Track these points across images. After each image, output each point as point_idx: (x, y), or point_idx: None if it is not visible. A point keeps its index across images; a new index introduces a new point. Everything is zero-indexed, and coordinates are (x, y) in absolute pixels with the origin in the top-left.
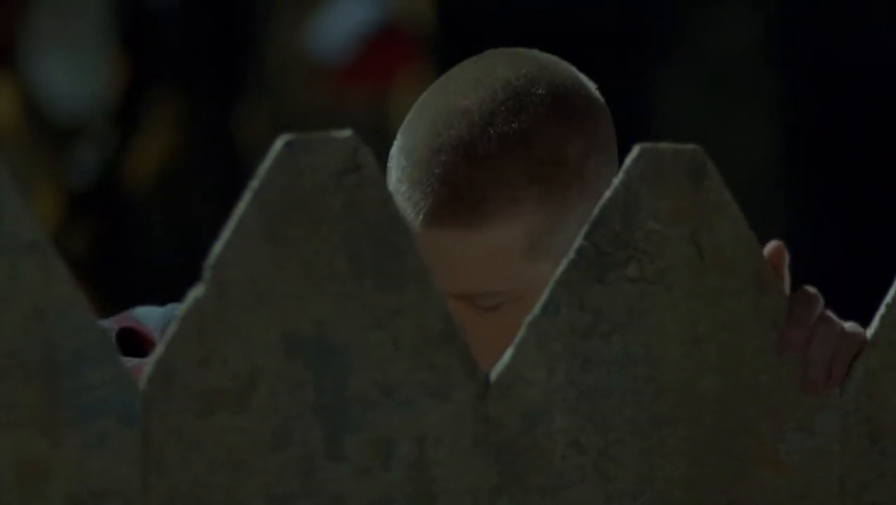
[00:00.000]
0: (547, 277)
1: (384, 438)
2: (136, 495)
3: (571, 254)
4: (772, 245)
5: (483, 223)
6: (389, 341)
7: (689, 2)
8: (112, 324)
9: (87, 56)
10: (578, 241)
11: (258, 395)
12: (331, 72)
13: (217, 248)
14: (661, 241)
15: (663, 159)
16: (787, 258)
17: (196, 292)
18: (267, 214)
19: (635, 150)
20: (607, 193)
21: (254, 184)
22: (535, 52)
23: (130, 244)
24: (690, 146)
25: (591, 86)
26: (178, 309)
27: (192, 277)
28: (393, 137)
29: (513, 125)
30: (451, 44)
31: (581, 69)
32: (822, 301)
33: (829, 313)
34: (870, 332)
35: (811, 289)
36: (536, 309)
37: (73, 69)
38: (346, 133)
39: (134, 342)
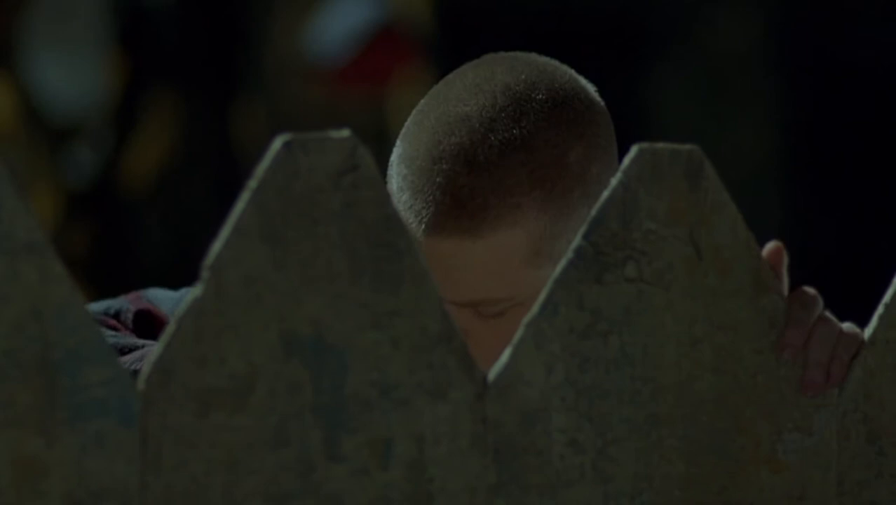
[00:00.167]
0: (545, 281)
1: (382, 437)
2: (134, 495)
3: (570, 254)
4: (770, 246)
5: (485, 231)
6: (387, 341)
7: (688, 2)
8: (128, 304)
9: (85, 56)
10: (577, 242)
11: (256, 394)
12: (328, 72)
13: (215, 248)
14: (658, 242)
15: (661, 159)
16: (785, 259)
17: (194, 292)
18: (265, 214)
19: (633, 150)
20: (605, 193)
21: (252, 184)
22: (534, 56)
23: (128, 244)
24: (688, 146)
25: (591, 88)
26: (195, 288)
27: (190, 277)
28: (391, 137)
29: (513, 131)
30: (449, 44)
31: (579, 69)
32: (821, 301)
33: (828, 314)
34: (868, 331)
35: (810, 289)
36: (535, 309)
37: (71, 69)
38: (344, 133)
39: (151, 324)
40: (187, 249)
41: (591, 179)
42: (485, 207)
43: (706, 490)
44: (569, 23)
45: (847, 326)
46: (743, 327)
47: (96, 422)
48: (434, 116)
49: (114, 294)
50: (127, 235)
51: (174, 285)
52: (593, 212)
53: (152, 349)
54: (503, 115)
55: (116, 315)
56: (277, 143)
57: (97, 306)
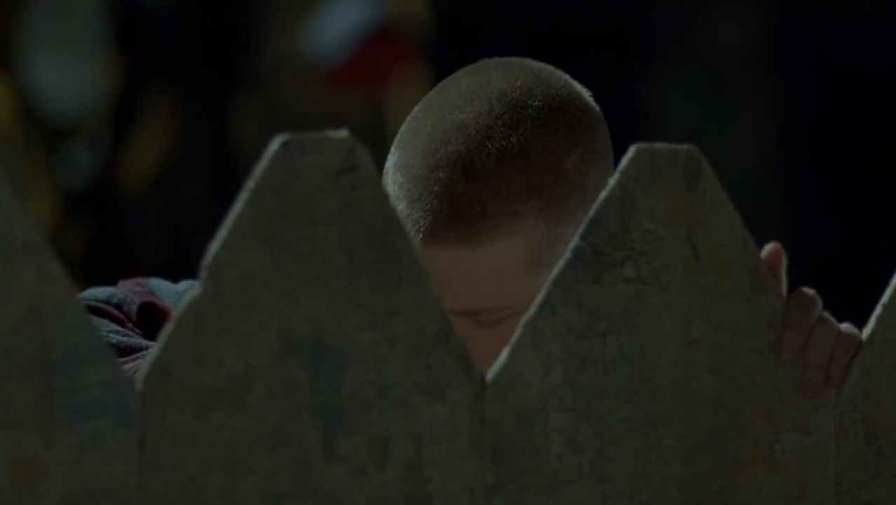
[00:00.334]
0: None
1: (380, 437)
2: (132, 495)
3: (568, 254)
4: (769, 247)
5: (484, 239)
6: (385, 341)
7: (687, 2)
8: (133, 294)
9: (82, 56)
10: (575, 242)
11: (254, 395)
12: (326, 72)
13: (213, 248)
14: (657, 242)
15: (659, 159)
16: (784, 260)
17: (192, 292)
18: (263, 214)
19: (631, 150)
20: (603, 194)
21: (249, 184)
22: (529, 62)
23: (126, 244)
24: (686, 146)
25: (586, 94)
26: (194, 288)
27: (188, 277)
28: (389, 137)
29: (511, 139)
30: (447, 44)
31: (578, 69)
32: (819, 302)
33: (827, 314)
34: (866, 332)
35: (809, 290)
36: (533, 309)
37: (68, 69)
38: (343, 133)
39: (155, 317)
40: (185, 250)
41: (589, 185)
42: (483, 216)
43: (704, 490)
44: (568, 23)
45: (845, 326)
46: (741, 327)
47: (94, 422)
48: (430, 124)
49: None
50: (125, 235)
51: None
52: (591, 212)
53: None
54: (500, 122)
55: (119, 305)
56: (275, 144)
57: (100, 293)
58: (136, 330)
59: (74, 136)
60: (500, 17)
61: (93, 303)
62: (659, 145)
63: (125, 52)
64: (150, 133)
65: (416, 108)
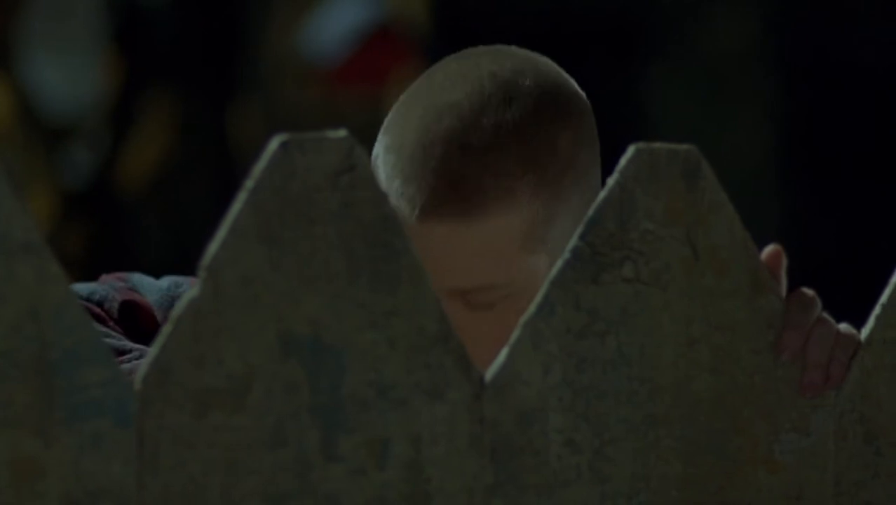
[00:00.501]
0: (542, 271)
1: (379, 437)
2: (131, 496)
3: (566, 254)
4: (770, 248)
5: (480, 214)
6: (384, 341)
7: (686, 1)
8: (114, 291)
9: (81, 56)
10: (573, 242)
11: (253, 395)
12: (325, 72)
13: (212, 248)
14: (656, 242)
15: (658, 159)
16: (784, 262)
17: (191, 292)
18: (262, 214)
19: (630, 149)
20: (602, 194)
21: (248, 184)
22: (515, 48)
23: (125, 244)
24: (685, 146)
25: (573, 82)
26: (179, 288)
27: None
28: None
29: (505, 115)
30: (446, 44)
31: (577, 69)
32: (819, 303)
33: (826, 315)
34: (865, 332)
35: (808, 291)
36: (531, 309)
37: (67, 69)
38: (341, 133)
39: (136, 316)
40: (184, 250)
41: (581, 166)
42: (479, 190)
43: (703, 490)
44: (568, 23)
45: (843, 326)
46: (740, 327)
47: (93, 422)
48: (421, 106)
49: None
50: (124, 236)
51: None
52: (590, 212)
53: (141, 361)
54: (493, 100)
55: (101, 303)
56: (274, 144)
57: (82, 289)
58: (118, 328)
59: (74, 136)
60: (499, 17)
61: None
62: (658, 145)
63: (124, 52)
64: (149, 133)
65: (403, 95)
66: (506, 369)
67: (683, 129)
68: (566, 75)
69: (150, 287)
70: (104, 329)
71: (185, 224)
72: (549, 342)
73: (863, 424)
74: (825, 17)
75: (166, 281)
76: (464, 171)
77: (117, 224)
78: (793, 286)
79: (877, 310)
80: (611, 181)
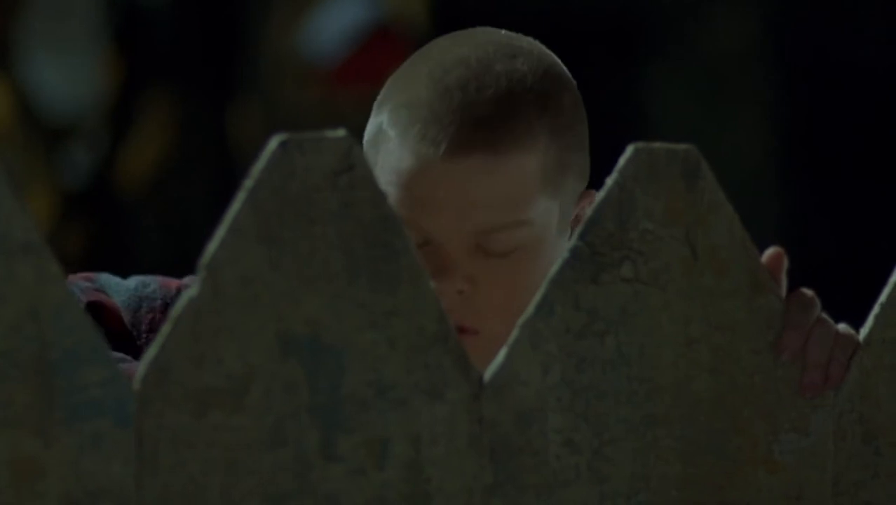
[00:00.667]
0: (554, 224)
1: (378, 437)
2: (131, 495)
3: (566, 254)
4: (771, 251)
5: (504, 149)
6: (384, 341)
7: (686, 1)
8: (80, 293)
9: (80, 56)
10: (573, 242)
11: (253, 394)
12: (325, 72)
13: (211, 247)
14: (655, 242)
15: (658, 159)
16: (785, 264)
17: (190, 292)
18: (261, 214)
19: (629, 149)
20: (601, 193)
21: (248, 184)
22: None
23: (124, 244)
24: (685, 146)
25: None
26: (147, 287)
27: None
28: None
29: (513, 65)
30: None
31: (577, 69)
32: (818, 303)
33: (825, 315)
34: (864, 331)
35: (808, 291)
36: (531, 309)
37: (67, 69)
38: (340, 133)
39: (101, 317)
40: (184, 249)
41: (581, 131)
42: (502, 127)
43: (703, 490)
44: (568, 23)
45: (842, 326)
46: (740, 327)
47: (93, 422)
48: (426, 67)
49: None
50: (123, 236)
51: None
52: (589, 212)
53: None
54: (497, 54)
55: None
56: (274, 143)
57: None
58: None
59: (73, 136)
60: (499, 17)
61: None
62: (657, 145)
63: (124, 51)
64: (148, 133)
65: (395, 72)
66: (505, 369)
67: (683, 129)
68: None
69: (117, 287)
70: None
71: (185, 224)
72: (548, 342)
73: (862, 424)
74: (825, 17)
75: (133, 281)
76: (484, 110)
77: (117, 224)
78: (792, 286)
79: (876, 309)
80: (610, 181)
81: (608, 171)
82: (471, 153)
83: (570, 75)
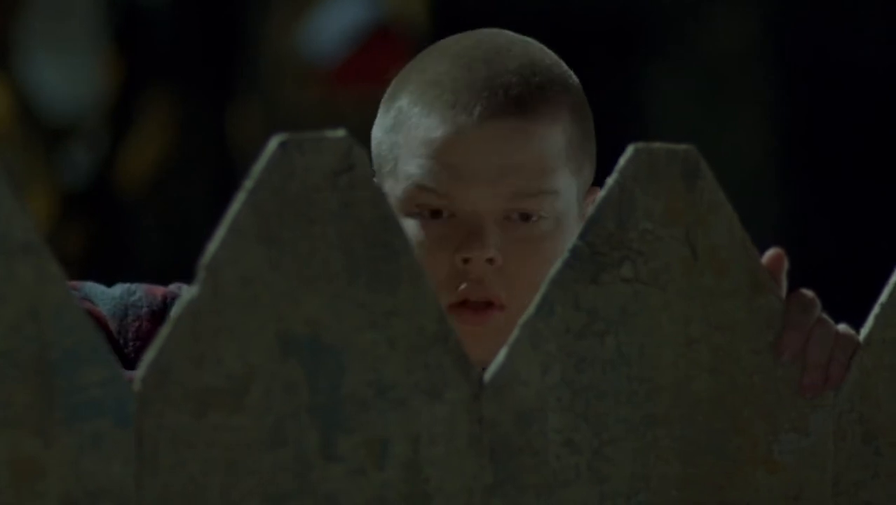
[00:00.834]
0: (573, 208)
1: (378, 437)
2: (131, 495)
3: (566, 254)
4: (771, 252)
5: (534, 117)
6: (384, 341)
7: (686, 1)
8: None
9: (81, 56)
10: (573, 242)
11: (253, 395)
12: (324, 72)
13: (211, 248)
14: (655, 242)
15: (657, 159)
16: (785, 265)
17: (190, 292)
18: (261, 214)
19: (629, 149)
20: (602, 193)
21: (247, 184)
22: None
23: (124, 244)
24: (684, 146)
25: None
26: (132, 294)
27: (186, 278)
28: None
29: (528, 50)
30: None
31: (576, 69)
32: (819, 304)
33: (825, 316)
34: (864, 331)
35: (808, 292)
36: (531, 309)
37: (66, 69)
38: (340, 133)
39: None
40: (184, 249)
41: (592, 125)
42: (530, 96)
43: (703, 490)
44: (568, 23)
45: (842, 327)
46: (740, 327)
47: (93, 422)
48: (442, 55)
49: None
50: (123, 236)
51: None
52: (589, 212)
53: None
54: (510, 41)
55: None
56: (273, 144)
57: None
58: None
59: (73, 136)
60: (499, 17)
61: None
62: (657, 145)
63: (124, 51)
64: (148, 133)
65: (401, 72)
66: (505, 369)
67: (683, 129)
68: None
69: (102, 296)
70: None
71: (185, 224)
72: (548, 342)
73: (862, 424)
74: (825, 17)
75: (118, 289)
76: (512, 79)
77: (117, 224)
78: (792, 286)
79: (876, 310)
80: (610, 181)
81: (608, 171)
82: (503, 118)
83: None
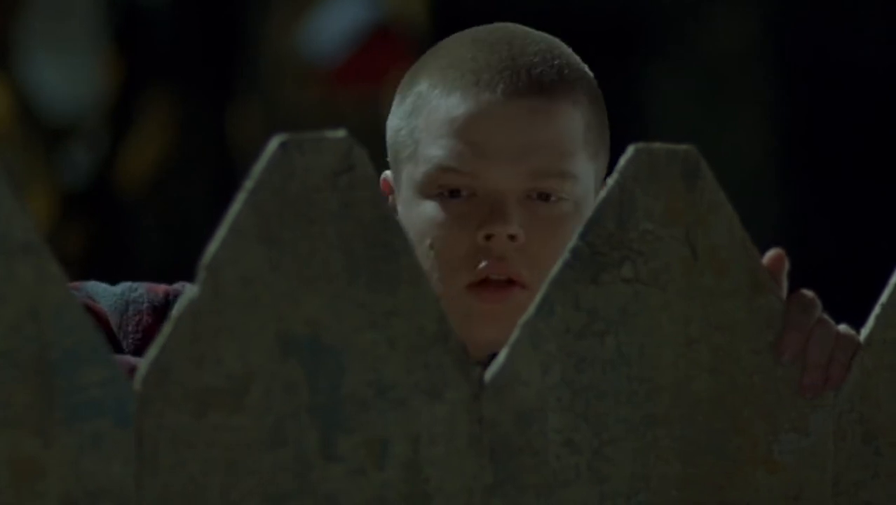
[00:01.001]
0: (590, 195)
1: (378, 437)
2: (131, 495)
3: (566, 254)
4: (772, 253)
5: (556, 96)
6: (384, 341)
7: (686, 1)
8: None
9: (81, 56)
10: (573, 242)
11: (253, 395)
12: (324, 72)
13: (211, 248)
14: (655, 242)
15: (658, 159)
16: (786, 266)
17: (191, 292)
18: (261, 215)
19: (630, 150)
20: (602, 194)
21: (248, 184)
22: None
23: (124, 244)
24: (685, 146)
25: None
26: (134, 291)
27: (187, 278)
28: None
29: (545, 37)
30: None
31: None
32: (819, 304)
33: (826, 316)
34: (865, 332)
35: (808, 292)
36: (531, 309)
37: (67, 69)
38: (340, 133)
39: None
40: (184, 249)
41: (605, 110)
42: (550, 76)
43: (703, 490)
44: (568, 23)
45: (842, 327)
46: (740, 327)
47: (93, 422)
48: (458, 42)
49: None
50: (123, 236)
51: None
52: (590, 212)
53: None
54: (527, 31)
55: None
56: (274, 144)
57: None
58: None
59: (73, 136)
60: (499, 18)
61: None
62: (657, 145)
63: (124, 51)
64: (148, 133)
65: (414, 64)
66: (505, 369)
67: (683, 129)
68: None
69: (104, 293)
70: None
71: (185, 224)
72: (548, 342)
73: (862, 425)
74: (825, 17)
75: (121, 287)
76: (532, 60)
77: (117, 224)
78: (792, 286)
79: (877, 310)
80: (610, 181)
81: (608, 172)
82: (526, 96)
83: None
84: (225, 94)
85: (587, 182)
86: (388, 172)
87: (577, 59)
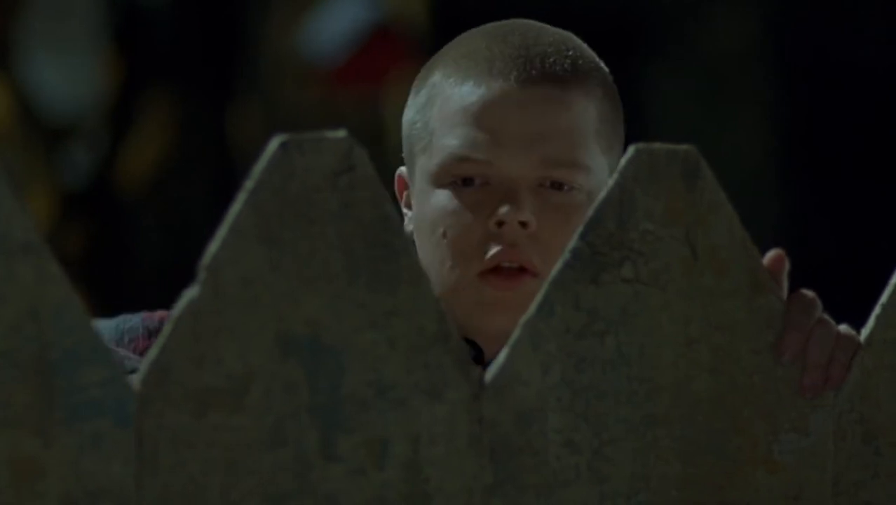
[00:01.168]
0: (604, 182)
1: (378, 438)
2: (130, 495)
3: (566, 254)
4: (772, 253)
5: (570, 85)
6: (384, 341)
7: (686, 1)
8: None
9: (81, 56)
10: (573, 242)
11: (253, 395)
12: (325, 72)
13: (212, 248)
14: (655, 242)
15: (658, 160)
16: (786, 266)
17: (191, 293)
18: (261, 215)
19: (630, 150)
20: (602, 194)
21: (248, 184)
22: None
23: (124, 244)
24: (685, 146)
25: None
26: (129, 321)
27: (187, 278)
28: (386, 138)
29: (559, 30)
30: (445, 44)
31: None
32: (819, 304)
33: (826, 316)
34: (865, 332)
35: (808, 292)
36: (531, 309)
37: (67, 69)
38: (340, 134)
39: None
40: (184, 249)
41: (619, 104)
42: (567, 68)
43: (703, 490)
44: (568, 23)
45: (843, 327)
46: (740, 327)
47: (93, 422)
48: (472, 35)
49: (110, 294)
50: (123, 236)
51: (170, 285)
52: (590, 212)
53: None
54: (541, 24)
55: None
56: (274, 144)
57: None
58: None
59: (73, 136)
60: (499, 18)
61: None
62: (657, 145)
63: (124, 52)
64: (148, 133)
65: (432, 58)
66: (505, 369)
67: (683, 129)
68: None
69: (104, 326)
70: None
71: (185, 224)
72: (548, 342)
73: (862, 425)
74: (825, 17)
75: (115, 320)
76: (547, 50)
77: (117, 224)
78: (792, 286)
79: (877, 310)
80: (610, 181)
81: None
82: (540, 85)
83: None
84: (225, 94)
85: (601, 175)
86: (402, 169)
87: (592, 52)
